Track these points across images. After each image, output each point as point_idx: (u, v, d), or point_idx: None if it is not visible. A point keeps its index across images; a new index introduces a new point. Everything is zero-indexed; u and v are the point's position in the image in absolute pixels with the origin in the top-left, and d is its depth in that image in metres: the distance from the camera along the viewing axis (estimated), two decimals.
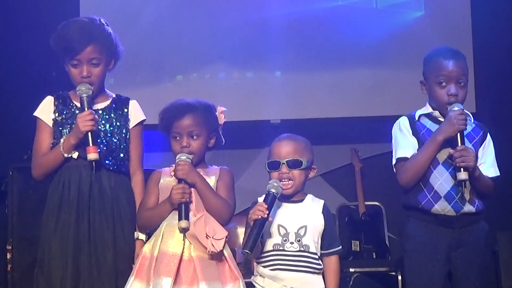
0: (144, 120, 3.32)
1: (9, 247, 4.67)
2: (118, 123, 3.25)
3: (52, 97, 3.27)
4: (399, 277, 4.79)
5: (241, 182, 5.03)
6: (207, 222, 3.05)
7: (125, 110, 3.28)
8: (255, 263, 3.12)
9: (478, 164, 3.20)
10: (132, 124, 3.28)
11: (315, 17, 5.33)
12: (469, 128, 3.23)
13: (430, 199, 3.18)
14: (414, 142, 3.24)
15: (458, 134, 3.12)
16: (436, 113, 3.26)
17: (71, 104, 3.24)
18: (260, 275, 3.08)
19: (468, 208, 3.17)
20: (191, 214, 3.07)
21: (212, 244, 3.00)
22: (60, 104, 3.24)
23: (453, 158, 3.11)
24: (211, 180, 3.17)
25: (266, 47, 5.32)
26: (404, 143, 3.26)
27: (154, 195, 3.18)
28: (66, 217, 3.13)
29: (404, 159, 3.23)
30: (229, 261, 3.08)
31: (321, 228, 3.11)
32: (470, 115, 3.27)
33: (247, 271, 3.26)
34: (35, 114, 3.25)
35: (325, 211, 3.15)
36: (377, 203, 5.34)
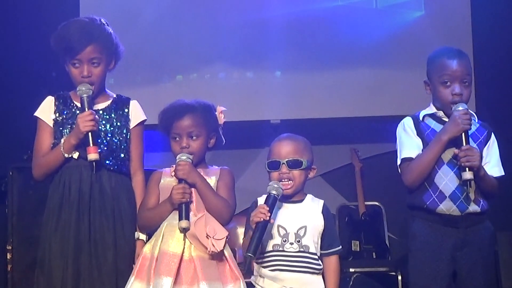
0: (144, 120, 3.32)
1: (9, 247, 4.67)
2: (118, 123, 3.25)
3: (53, 97, 3.27)
4: (399, 277, 4.79)
5: (241, 182, 5.03)
6: (207, 222, 3.05)
7: (126, 110, 3.28)
8: (254, 264, 3.12)
9: (483, 164, 3.20)
10: (132, 124, 3.27)
11: (315, 17, 5.34)
12: (473, 128, 3.23)
13: (435, 199, 3.17)
14: (418, 142, 3.24)
15: (463, 134, 3.12)
16: (440, 113, 3.26)
17: (72, 104, 3.24)
18: (260, 276, 3.08)
19: (473, 208, 3.17)
20: (191, 214, 3.08)
21: (213, 244, 3.00)
22: (61, 104, 3.24)
23: (458, 157, 3.11)
24: (212, 180, 3.17)
25: (266, 47, 5.32)
26: (408, 144, 3.25)
27: (154, 195, 3.18)
28: (67, 217, 3.13)
29: (409, 159, 3.23)
30: (230, 261, 3.08)
31: (321, 228, 3.11)
32: (475, 115, 3.28)
33: (247, 271, 3.26)
34: (35, 114, 3.25)
35: (325, 211, 3.15)
36: (377, 203, 5.34)
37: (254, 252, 2.91)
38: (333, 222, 3.24)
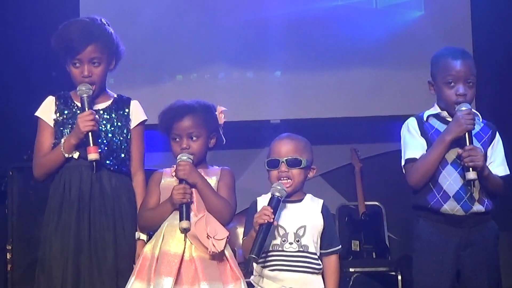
0: (145, 120, 3.32)
1: (9, 247, 4.67)
2: (119, 123, 3.25)
3: (54, 97, 3.27)
4: (399, 277, 4.79)
5: (241, 182, 5.03)
6: (208, 222, 3.05)
7: (126, 110, 3.28)
8: (254, 264, 3.12)
9: (487, 163, 3.20)
10: (133, 124, 3.28)
11: (315, 17, 5.34)
12: (477, 128, 3.23)
13: (439, 199, 3.17)
14: (422, 142, 3.23)
15: (466, 134, 3.12)
16: (445, 113, 3.25)
17: (72, 104, 3.24)
18: (259, 275, 3.08)
19: (477, 207, 3.16)
20: (192, 214, 3.07)
21: (213, 245, 3.00)
22: (61, 104, 3.24)
23: (462, 158, 3.11)
24: (212, 181, 3.17)
25: (266, 47, 5.32)
26: (412, 144, 3.25)
27: (155, 196, 3.18)
28: (67, 217, 3.13)
29: (413, 160, 3.23)
30: (230, 261, 3.08)
31: (320, 228, 3.11)
32: (479, 114, 3.27)
33: (247, 271, 3.26)
34: (36, 114, 3.25)
35: (324, 210, 3.15)
36: (377, 203, 5.35)
37: (257, 253, 2.91)
38: (332, 222, 3.23)
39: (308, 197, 3.17)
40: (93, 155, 3.09)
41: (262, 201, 3.13)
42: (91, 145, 3.09)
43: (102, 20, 3.27)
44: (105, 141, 3.19)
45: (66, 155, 3.14)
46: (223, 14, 5.38)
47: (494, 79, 5.21)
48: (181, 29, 5.38)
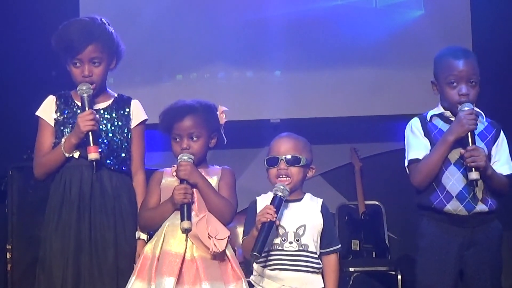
0: (146, 120, 3.32)
1: (9, 247, 4.67)
2: (119, 123, 3.25)
3: (54, 97, 3.27)
4: (399, 277, 4.80)
5: (241, 181, 4.99)
6: (209, 222, 3.05)
7: (127, 109, 3.28)
8: (254, 263, 3.12)
9: (492, 162, 3.20)
10: (133, 123, 3.28)
11: (315, 17, 5.33)
12: (481, 127, 3.23)
13: (442, 199, 3.17)
14: (426, 143, 3.23)
15: (469, 134, 3.11)
16: (448, 113, 3.25)
17: (73, 103, 3.24)
18: (259, 275, 3.08)
19: (480, 207, 3.16)
20: (193, 214, 3.08)
21: (215, 244, 3.01)
22: (62, 104, 3.24)
23: (464, 158, 3.11)
24: (213, 180, 3.17)
25: (266, 47, 5.32)
26: (416, 145, 3.25)
27: (155, 195, 3.18)
28: (67, 217, 3.13)
29: (416, 160, 3.23)
30: (232, 260, 3.08)
31: (320, 227, 3.11)
32: (482, 113, 3.27)
33: (247, 270, 3.25)
34: (37, 113, 3.26)
35: (324, 210, 3.15)
36: (376, 203, 5.35)
37: (259, 251, 2.91)
38: (332, 221, 3.24)
39: (308, 196, 3.18)
40: (93, 155, 3.09)
41: (262, 200, 3.13)
42: (91, 144, 3.09)
43: (102, 19, 3.27)
44: (105, 141, 3.19)
45: (67, 155, 3.14)
46: (223, 14, 5.38)
47: (494, 78, 5.20)
48: (181, 28, 5.38)
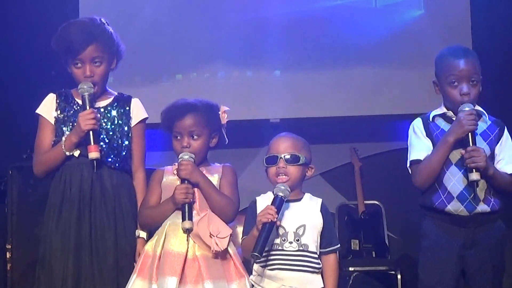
0: (146, 118, 3.32)
1: (8, 246, 4.67)
2: (120, 121, 3.25)
3: (55, 95, 3.27)
4: (399, 276, 4.80)
5: (240, 181, 4.99)
6: (210, 221, 3.06)
7: (127, 108, 3.28)
8: (254, 263, 3.12)
9: (496, 161, 3.20)
10: (134, 122, 3.28)
11: (314, 16, 5.33)
12: (484, 126, 3.23)
13: (444, 199, 3.18)
14: (428, 143, 3.24)
15: (469, 134, 3.11)
16: (450, 113, 3.25)
17: (73, 101, 3.24)
18: (259, 275, 3.08)
19: (482, 207, 3.16)
20: (194, 213, 3.08)
21: (216, 243, 3.01)
22: (62, 102, 3.24)
23: (464, 159, 3.11)
24: (214, 178, 3.17)
25: (266, 46, 5.32)
26: (417, 146, 3.26)
27: (156, 194, 3.19)
28: (67, 215, 3.13)
29: (417, 161, 3.23)
30: (234, 258, 3.09)
31: (320, 226, 3.11)
32: (485, 113, 3.27)
33: (247, 270, 3.25)
34: (37, 111, 3.26)
35: (323, 209, 3.15)
36: (376, 202, 5.34)
37: (260, 252, 2.91)
38: (331, 221, 3.24)
39: (307, 196, 3.18)
40: (93, 154, 3.10)
41: (261, 200, 3.13)
42: (92, 143, 3.10)
43: (102, 20, 3.28)
44: (106, 139, 3.19)
45: (67, 153, 3.14)
46: (223, 13, 5.37)
47: (494, 78, 5.19)
48: (180, 28, 5.37)
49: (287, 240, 3.06)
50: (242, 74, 5.41)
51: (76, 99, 3.23)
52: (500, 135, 3.26)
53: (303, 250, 3.06)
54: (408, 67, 5.22)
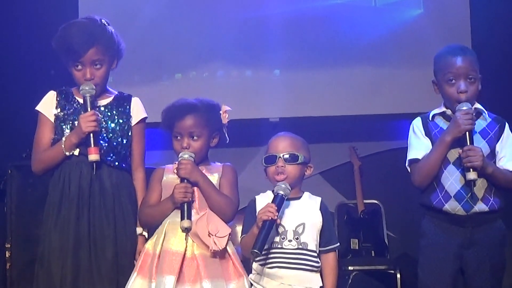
0: (146, 118, 3.33)
1: (8, 246, 4.67)
2: (120, 120, 3.25)
3: (55, 92, 3.27)
4: (398, 275, 4.80)
5: (240, 180, 5.00)
6: (209, 220, 3.06)
7: (127, 107, 3.28)
8: (253, 262, 3.12)
9: (498, 159, 3.20)
10: (134, 121, 3.28)
11: (314, 15, 5.33)
12: (483, 124, 3.23)
13: (441, 198, 3.18)
14: (427, 143, 3.24)
15: (467, 134, 3.11)
16: (449, 112, 3.24)
17: (74, 100, 3.24)
18: (258, 273, 3.08)
19: (479, 207, 3.15)
20: (193, 212, 3.08)
21: (215, 242, 3.01)
22: (63, 100, 3.24)
23: (462, 158, 3.11)
24: (214, 178, 3.18)
25: (265, 45, 5.31)
26: (416, 145, 3.26)
27: (156, 192, 3.19)
28: (66, 213, 3.14)
29: (416, 160, 3.24)
30: (233, 258, 3.09)
31: (319, 225, 3.11)
32: (485, 110, 3.26)
33: (246, 269, 3.25)
34: (37, 108, 3.26)
35: (323, 208, 3.15)
36: (376, 201, 5.34)
37: (260, 249, 2.91)
38: (331, 219, 3.24)
39: (306, 195, 3.18)
40: (93, 156, 3.10)
41: (261, 199, 3.14)
42: (92, 146, 3.10)
43: (102, 20, 3.27)
44: (106, 138, 3.20)
45: (67, 153, 3.14)
46: (222, 13, 5.37)
47: (493, 77, 5.20)
48: (179, 27, 5.37)
49: (287, 238, 3.07)
50: (242, 73, 5.41)
51: (77, 98, 3.23)
52: (501, 132, 3.25)
53: (302, 249, 3.06)
54: (407, 66, 5.22)
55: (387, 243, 5.17)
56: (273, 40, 5.29)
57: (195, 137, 3.17)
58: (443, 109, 3.28)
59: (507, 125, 3.27)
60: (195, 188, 3.11)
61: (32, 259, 3.30)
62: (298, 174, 3.14)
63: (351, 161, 5.43)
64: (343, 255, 4.89)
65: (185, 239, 3.05)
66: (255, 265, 3.10)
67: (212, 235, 3.02)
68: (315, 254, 3.09)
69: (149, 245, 3.11)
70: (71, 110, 3.21)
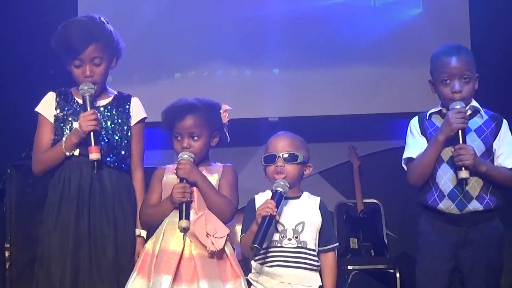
0: (145, 118, 3.32)
1: (7, 245, 4.67)
2: (119, 120, 3.25)
3: (54, 93, 3.27)
4: (397, 275, 4.80)
5: (239, 179, 4.99)
6: (208, 220, 3.05)
7: (127, 107, 3.28)
8: (252, 261, 3.12)
9: (496, 156, 3.19)
10: (133, 121, 3.28)
11: (313, 15, 5.33)
12: (480, 122, 3.23)
13: (436, 197, 3.19)
14: (422, 141, 3.25)
15: (459, 132, 3.11)
16: (445, 111, 3.24)
17: (73, 100, 3.23)
18: (258, 272, 3.08)
19: (474, 206, 3.15)
20: (192, 212, 3.08)
21: (212, 243, 3.01)
22: (62, 101, 3.24)
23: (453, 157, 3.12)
24: (214, 178, 3.17)
25: (264, 45, 5.32)
26: (411, 144, 3.28)
27: (156, 192, 3.19)
28: (66, 214, 3.13)
29: (410, 159, 3.25)
30: (231, 258, 3.08)
31: (319, 224, 3.11)
32: (481, 108, 3.25)
33: (246, 268, 3.25)
34: (36, 109, 3.25)
35: (322, 207, 3.15)
36: (375, 201, 5.35)
37: (260, 243, 2.90)
38: (330, 219, 3.24)
39: (305, 195, 3.18)
40: (94, 155, 3.10)
41: (260, 198, 3.14)
42: (93, 144, 3.10)
43: (101, 18, 3.27)
44: (105, 138, 3.19)
45: (67, 154, 3.14)
46: (221, 12, 5.37)
47: (492, 76, 5.20)
48: (179, 27, 5.37)
49: (286, 237, 3.07)
50: (241, 73, 5.41)
51: (76, 98, 3.23)
52: (497, 130, 3.23)
53: (302, 247, 3.06)
54: (406, 65, 5.22)
55: (386, 242, 5.18)
56: (272, 39, 5.29)
57: (195, 137, 3.17)
58: (440, 108, 3.29)
59: (504, 122, 3.26)
60: (194, 188, 3.11)
61: (32, 259, 3.30)
62: (297, 174, 3.14)
63: (350, 160, 5.44)
64: (342, 255, 4.90)
65: (183, 239, 3.05)
66: (254, 264, 3.10)
67: (210, 236, 3.02)
68: (315, 253, 3.09)
69: (149, 245, 3.11)
70: (71, 110, 3.21)
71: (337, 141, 5.51)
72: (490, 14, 5.27)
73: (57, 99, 3.24)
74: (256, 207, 3.08)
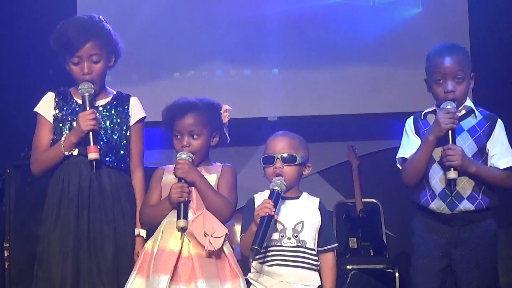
0: (144, 117, 3.32)
1: (6, 245, 4.68)
2: (118, 120, 3.25)
3: (53, 93, 3.27)
4: (396, 274, 4.81)
5: (238, 179, 4.98)
6: (206, 220, 3.05)
7: (126, 107, 3.28)
8: (252, 260, 3.12)
9: (489, 156, 3.19)
10: (132, 121, 3.28)
11: (312, 15, 5.34)
12: (473, 122, 3.22)
13: (428, 197, 3.20)
14: (416, 141, 3.25)
15: (449, 133, 3.12)
16: (439, 110, 3.25)
17: (72, 100, 3.23)
18: (257, 272, 3.08)
19: (464, 206, 3.15)
20: (190, 212, 3.08)
21: (210, 242, 3.00)
22: (61, 101, 3.24)
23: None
24: (212, 178, 3.16)
25: (264, 44, 5.32)
26: (405, 144, 3.29)
27: (156, 192, 3.19)
28: (66, 214, 3.13)
29: (403, 159, 3.27)
30: (230, 258, 3.08)
31: (318, 224, 3.11)
32: (475, 109, 3.24)
33: (245, 268, 3.26)
34: (35, 109, 3.25)
35: (321, 207, 3.15)
36: (374, 200, 5.35)
37: (259, 245, 2.90)
38: (329, 219, 3.24)
39: (305, 195, 3.18)
40: (93, 155, 3.09)
41: (259, 198, 3.13)
42: (92, 144, 3.09)
43: (100, 17, 3.28)
44: (104, 138, 3.19)
45: (66, 153, 3.14)
46: (221, 12, 5.38)
47: (491, 76, 5.21)
48: (178, 26, 5.38)
49: (286, 236, 3.06)
50: (240, 73, 5.41)
51: (75, 98, 3.23)
52: (491, 130, 3.22)
53: (301, 247, 3.06)
54: (406, 65, 5.22)
55: (385, 242, 5.18)
56: (271, 39, 5.30)
57: (195, 136, 3.17)
58: (435, 107, 3.29)
59: (499, 122, 3.24)
60: (193, 188, 3.11)
61: (31, 259, 3.30)
62: (296, 175, 3.13)
63: (349, 160, 5.44)
64: (341, 254, 4.90)
65: (181, 238, 3.05)
66: (254, 263, 3.10)
67: (208, 235, 3.01)
68: (314, 253, 3.09)
69: (149, 244, 3.11)
70: (70, 110, 3.21)
71: (336, 141, 5.52)
72: (489, 13, 5.28)
73: (56, 99, 3.24)
74: (255, 206, 3.08)
